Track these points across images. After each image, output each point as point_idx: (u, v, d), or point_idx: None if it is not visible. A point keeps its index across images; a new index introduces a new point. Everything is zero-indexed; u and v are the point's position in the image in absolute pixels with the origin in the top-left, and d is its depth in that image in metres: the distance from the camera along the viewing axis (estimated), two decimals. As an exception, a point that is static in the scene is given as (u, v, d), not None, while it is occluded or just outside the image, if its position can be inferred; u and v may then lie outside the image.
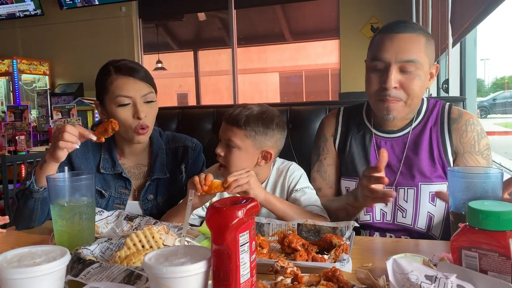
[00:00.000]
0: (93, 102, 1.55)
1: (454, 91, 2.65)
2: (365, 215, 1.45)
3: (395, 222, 1.41)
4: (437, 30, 2.78)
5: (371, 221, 1.43)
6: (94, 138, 1.31)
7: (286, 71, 16.15)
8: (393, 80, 1.30)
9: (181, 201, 1.43)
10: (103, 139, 1.35)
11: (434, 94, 3.47)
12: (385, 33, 1.34)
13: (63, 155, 1.28)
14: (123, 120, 1.45)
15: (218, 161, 1.46)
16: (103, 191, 1.53)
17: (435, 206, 1.37)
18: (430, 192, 1.37)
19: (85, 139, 1.32)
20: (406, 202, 1.39)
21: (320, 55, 13.70)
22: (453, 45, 2.30)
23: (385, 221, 1.42)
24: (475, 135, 1.36)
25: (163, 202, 1.58)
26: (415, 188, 1.38)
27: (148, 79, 1.50)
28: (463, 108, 1.70)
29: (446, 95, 2.66)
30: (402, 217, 1.40)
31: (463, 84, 2.44)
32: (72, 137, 1.26)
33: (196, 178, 1.25)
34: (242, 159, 1.43)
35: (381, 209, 1.43)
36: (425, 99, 1.46)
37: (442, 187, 1.36)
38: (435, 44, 2.92)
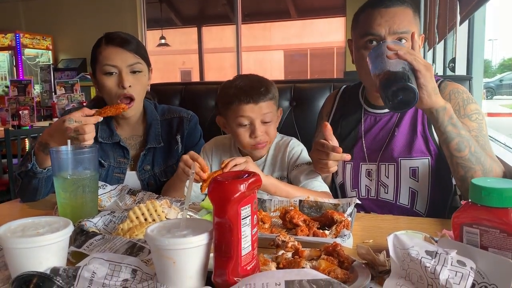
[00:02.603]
0: None
1: (460, 70, 2.62)
2: (351, 191, 1.46)
3: (379, 198, 1.41)
4: (445, 8, 2.73)
5: (357, 196, 1.42)
6: (101, 119, 1.31)
7: (291, 49, 15.98)
8: None
9: (174, 175, 1.42)
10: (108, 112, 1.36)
11: (440, 73, 3.44)
12: (373, 8, 1.30)
13: (60, 138, 1.27)
14: (108, 89, 1.48)
15: (257, 144, 1.41)
16: (102, 161, 1.55)
17: (417, 181, 1.36)
18: (410, 167, 1.35)
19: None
20: (388, 178, 1.39)
21: (326, 33, 13.53)
22: (461, 22, 2.26)
23: (369, 197, 1.42)
24: (459, 101, 1.32)
25: (160, 172, 1.60)
26: (395, 163, 1.37)
27: (138, 50, 1.51)
28: (469, 88, 1.67)
29: (452, 74, 2.63)
30: (385, 192, 1.40)
31: (470, 63, 2.40)
32: (91, 136, 1.25)
33: (198, 169, 1.21)
34: (276, 127, 1.47)
35: (366, 185, 1.43)
36: None
37: (423, 162, 1.35)
38: (443, 21, 2.88)
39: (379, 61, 1.15)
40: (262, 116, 1.39)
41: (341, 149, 1.24)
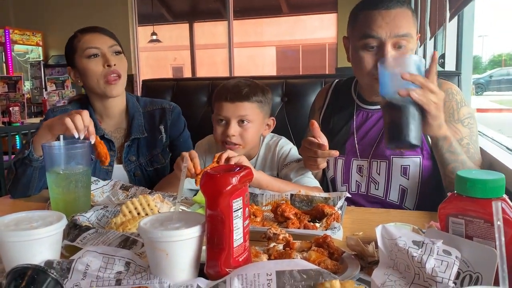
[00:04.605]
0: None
1: (450, 66, 2.65)
2: (342, 186, 1.48)
3: (369, 194, 1.43)
4: (435, 4, 2.75)
5: (347, 192, 1.44)
6: (93, 141, 1.27)
7: (283, 45, 16.00)
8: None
9: (171, 173, 1.44)
10: (95, 149, 1.29)
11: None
12: (373, 9, 1.30)
13: (59, 130, 1.27)
14: (92, 71, 1.51)
15: (228, 142, 1.41)
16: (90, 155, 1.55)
17: (407, 179, 1.38)
18: (401, 165, 1.37)
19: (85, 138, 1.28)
20: (379, 174, 1.41)
21: (318, 29, 13.57)
22: (450, 19, 2.28)
23: (359, 192, 1.44)
24: (453, 104, 1.34)
25: (146, 162, 1.63)
26: (387, 161, 1.39)
27: (113, 36, 1.58)
28: (458, 84, 1.70)
29: (441, 69, 2.66)
30: (375, 189, 1.42)
31: (459, 59, 2.43)
32: (80, 123, 1.23)
33: (191, 164, 1.22)
34: (255, 133, 1.45)
35: (356, 181, 1.45)
36: None
37: (415, 160, 1.36)
38: (433, 18, 2.91)
39: (388, 81, 1.10)
40: (238, 116, 1.40)
41: (327, 147, 1.27)
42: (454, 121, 1.33)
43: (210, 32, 12.45)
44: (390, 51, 1.28)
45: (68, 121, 1.22)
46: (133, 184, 1.56)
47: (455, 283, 0.64)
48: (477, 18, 2.46)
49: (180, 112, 1.73)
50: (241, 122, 1.41)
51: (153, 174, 1.62)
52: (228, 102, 1.41)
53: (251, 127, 1.42)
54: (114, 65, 1.51)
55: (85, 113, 1.27)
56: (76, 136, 1.24)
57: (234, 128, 1.40)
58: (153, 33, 9.37)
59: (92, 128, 1.28)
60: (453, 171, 1.20)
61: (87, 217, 1.04)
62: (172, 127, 1.67)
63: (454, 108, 1.34)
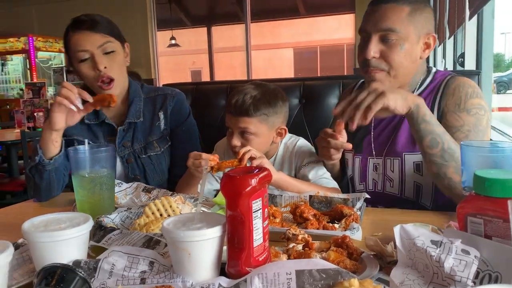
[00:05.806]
0: None
1: (470, 65, 2.61)
2: (359, 184, 1.49)
3: (385, 192, 1.44)
4: (454, 3, 2.72)
5: (365, 190, 1.46)
6: (91, 100, 1.29)
7: (300, 47, 15.97)
8: (372, 50, 1.30)
9: (186, 173, 1.44)
10: (98, 106, 1.35)
11: (450, 68, 3.43)
12: (370, 5, 1.35)
13: (59, 118, 1.29)
14: (85, 75, 1.49)
15: (234, 151, 1.43)
16: (93, 143, 1.53)
17: (421, 175, 1.37)
18: (414, 162, 1.37)
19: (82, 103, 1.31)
20: (393, 172, 1.41)
21: (335, 30, 13.51)
22: (470, 17, 2.26)
23: (376, 190, 1.45)
24: (462, 95, 1.32)
25: (140, 149, 1.59)
26: (399, 158, 1.39)
27: (106, 29, 1.50)
28: (478, 83, 1.67)
29: (461, 69, 2.63)
30: (390, 186, 1.42)
31: (479, 58, 2.39)
32: (70, 93, 1.26)
33: (210, 156, 1.25)
34: (260, 143, 1.46)
35: (373, 179, 1.46)
36: (433, 71, 1.44)
37: None
38: (452, 17, 2.88)
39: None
40: (239, 128, 1.43)
41: (338, 136, 1.32)
42: (458, 110, 1.32)
43: (227, 35, 12.52)
44: (374, 44, 1.30)
45: (59, 99, 1.24)
46: (126, 171, 1.58)
47: (474, 282, 0.64)
48: (499, 15, 2.42)
49: (184, 99, 1.68)
50: (243, 133, 1.43)
51: (146, 162, 1.59)
52: (231, 114, 1.44)
53: (253, 139, 1.43)
54: (105, 67, 1.46)
55: (66, 83, 1.28)
56: (75, 109, 1.26)
57: (236, 139, 1.43)
58: (172, 38, 9.48)
59: (83, 92, 1.29)
60: (430, 144, 1.18)
61: (112, 219, 1.08)
62: (174, 114, 1.63)
63: (462, 99, 1.33)
